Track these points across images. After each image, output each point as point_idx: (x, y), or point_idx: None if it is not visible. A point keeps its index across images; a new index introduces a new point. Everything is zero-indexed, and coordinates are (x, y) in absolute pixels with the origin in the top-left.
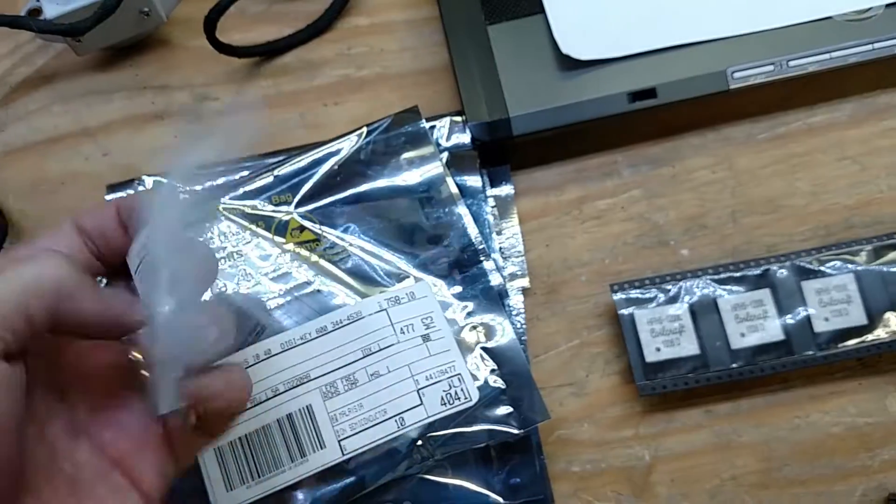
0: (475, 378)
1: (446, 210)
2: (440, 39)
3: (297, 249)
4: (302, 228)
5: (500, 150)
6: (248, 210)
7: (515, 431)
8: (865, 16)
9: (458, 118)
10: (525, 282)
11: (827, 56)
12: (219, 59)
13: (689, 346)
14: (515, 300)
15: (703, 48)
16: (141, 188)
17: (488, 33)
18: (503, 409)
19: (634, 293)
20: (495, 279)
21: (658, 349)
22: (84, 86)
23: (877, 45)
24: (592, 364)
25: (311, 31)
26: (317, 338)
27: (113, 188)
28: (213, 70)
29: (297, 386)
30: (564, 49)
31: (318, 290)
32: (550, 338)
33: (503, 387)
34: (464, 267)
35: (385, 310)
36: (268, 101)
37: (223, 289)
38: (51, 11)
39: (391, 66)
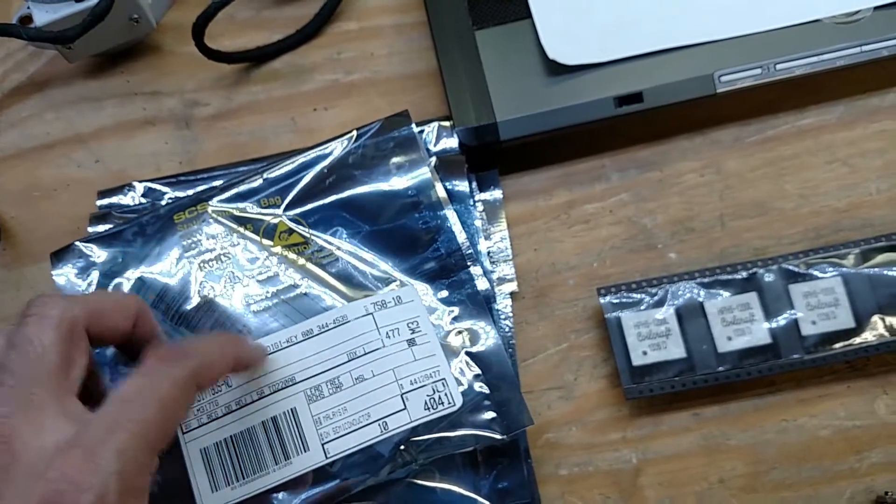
0: (460, 383)
1: (434, 214)
2: (428, 44)
3: (285, 252)
4: (290, 231)
5: (488, 155)
6: (237, 213)
7: (499, 437)
8: (854, 18)
9: (447, 123)
10: (513, 286)
11: (815, 59)
12: (209, 64)
13: (675, 350)
14: (504, 304)
15: (690, 52)
16: (131, 193)
17: (476, 38)
18: (487, 415)
19: (621, 297)
20: (482, 284)
21: (645, 353)
22: (76, 92)
23: (865, 48)
24: (580, 368)
25: (301, 37)
26: (302, 341)
27: (104, 194)
28: (203, 76)
29: (283, 389)
30: (551, 54)
31: (305, 294)
32: (538, 342)
33: (487, 392)
34: (450, 271)
35: (371, 314)
36: (258, 106)
37: (211, 292)
38: (41, 19)
39: (380, 71)
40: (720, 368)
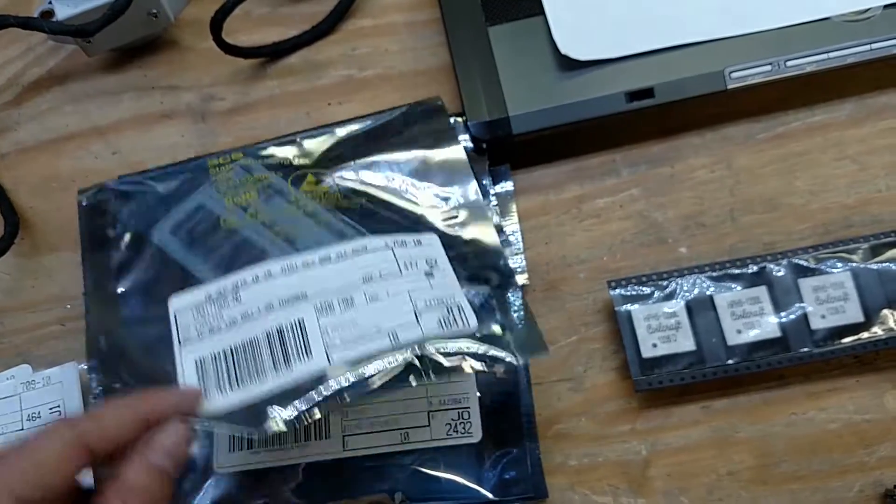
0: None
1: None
2: (441, 40)
3: (313, 199)
4: (318, 182)
5: (500, 149)
6: (270, 163)
7: (513, 360)
8: (864, 16)
9: (461, 118)
10: (524, 278)
11: (825, 56)
12: (225, 60)
13: (685, 343)
14: (514, 296)
15: (701, 48)
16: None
17: (489, 34)
18: (502, 341)
19: (631, 290)
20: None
21: (654, 345)
22: (94, 86)
23: (875, 46)
24: (590, 360)
25: (316, 33)
26: (319, 265)
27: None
28: (219, 71)
29: (292, 303)
30: (563, 49)
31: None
32: (549, 334)
33: (503, 325)
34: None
35: (391, 248)
36: (273, 100)
37: (235, 223)
38: (62, 13)
39: (394, 67)
40: (729, 361)
